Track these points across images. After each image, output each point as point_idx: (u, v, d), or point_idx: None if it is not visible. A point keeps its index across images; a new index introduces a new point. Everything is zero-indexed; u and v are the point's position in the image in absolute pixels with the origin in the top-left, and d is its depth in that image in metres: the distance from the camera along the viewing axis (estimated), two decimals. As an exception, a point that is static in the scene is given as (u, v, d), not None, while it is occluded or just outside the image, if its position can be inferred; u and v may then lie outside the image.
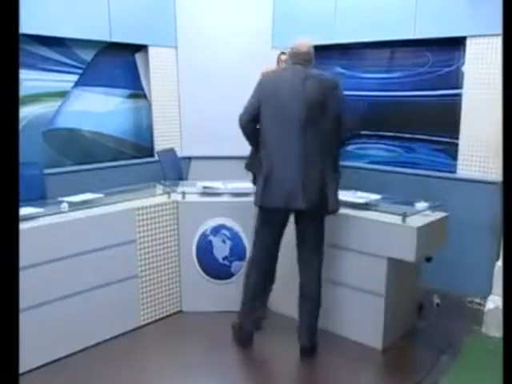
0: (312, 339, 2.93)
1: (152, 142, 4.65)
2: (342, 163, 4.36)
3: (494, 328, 3.10)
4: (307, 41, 2.84)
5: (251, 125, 2.80)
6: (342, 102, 2.81)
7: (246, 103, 2.81)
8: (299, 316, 2.94)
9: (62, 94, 4.08)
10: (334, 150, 2.82)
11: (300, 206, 2.70)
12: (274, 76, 2.92)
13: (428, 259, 3.04)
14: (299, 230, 2.89)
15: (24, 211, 2.71)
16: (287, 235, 3.20)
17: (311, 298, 2.91)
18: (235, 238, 3.36)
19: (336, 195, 2.80)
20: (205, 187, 3.49)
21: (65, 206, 2.92)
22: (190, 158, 4.81)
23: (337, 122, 2.73)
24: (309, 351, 2.91)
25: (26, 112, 3.81)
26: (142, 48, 4.49)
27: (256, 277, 2.96)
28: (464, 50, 3.69)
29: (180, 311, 3.45)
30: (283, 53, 4.05)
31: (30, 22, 3.56)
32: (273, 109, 2.74)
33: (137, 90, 4.57)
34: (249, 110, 2.78)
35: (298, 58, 2.79)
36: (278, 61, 4.06)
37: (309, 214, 2.78)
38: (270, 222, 2.86)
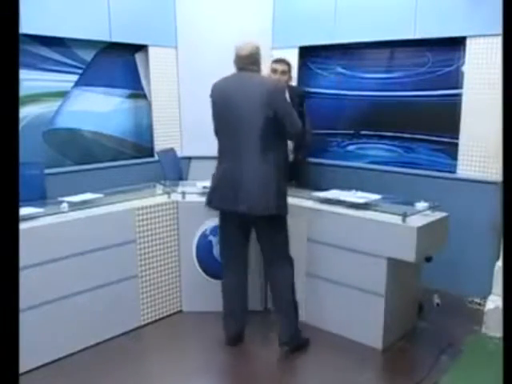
0: (292, 337, 2.94)
1: (152, 141, 4.65)
2: (341, 163, 4.45)
3: (494, 328, 3.10)
4: (248, 43, 2.78)
5: None
6: (286, 106, 2.75)
7: None
8: (276, 316, 3.01)
9: (62, 94, 4.08)
10: (280, 154, 2.79)
11: (242, 209, 2.72)
12: (221, 83, 2.85)
13: (428, 259, 3.04)
14: (256, 234, 2.95)
15: (24, 211, 2.71)
16: (290, 232, 3.19)
17: (282, 302, 2.97)
18: (235, 238, 3.36)
19: (279, 199, 2.76)
20: (205, 187, 3.48)
21: (65, 205, 2.92)
22: (189, 158, 4.81)
23: (280, 126, 2.70)
24: (290, 350, 2.94)
25: (26, 112, 3.81)
26: (142, 48, 4.48)
27: (229, 277, 3.00)
28: (464, 49, 3.69)
29: (180, 311, 3.45)
30: (276, 61, 3.82)
31: (30, 22, 3.56)
32: (222, 116, 2.80)
33: (137, 90, 4.57)
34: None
35: (239, 63, 2.77)
36: (271, 70, 3.81)
37: (257, 218, 2.77)
38: (223, 222, 2.94)
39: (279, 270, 2.94)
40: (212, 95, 2.83)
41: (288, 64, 3.77)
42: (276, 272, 2.95)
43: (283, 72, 3.69)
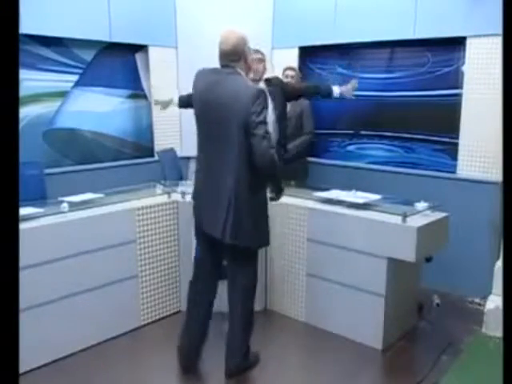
0: (236, 363, 2.66)
1: (152, 141, 4.65)
2: (342, 163, 4.46)
3: (493, 328, 3.10)
4: (232, 32, 2.42)
5: None
6: (258, 125, 2.30)
7: None
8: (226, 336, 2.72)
9: (62, 94, 4.08)
10: (250, 171, 2.38)
11: (211, 232, 2.49)
12: (201, 83, 2.51)
13: (428, 259, 3.04)
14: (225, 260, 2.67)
15: (24, 211, 2.71)
16: (290, 232, 3.21)
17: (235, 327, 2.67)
18: (235, 238, 3.35)
19: (255, 227, 2.45)
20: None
21: (65, 206, 2.92)
22: (189, 158, 4.81)
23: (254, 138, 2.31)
24: (232, 374, 2.67)
25: (26, 112, 3.81)
26: (142, 48, 4.48)
27: (192, 296, 2.75)
28: (464, 50, 3.69)
29: (180, 311, 3.45)
30: (290, 68, 4.16)
31: (30, 22, 3.56)
32: (200, 119, 2.52)
33: (137, 90, 4.57)
34: None
35: (223, 60, 2.44)
36: (284, 76, 4.11)
37: (226, 245, 2.48)
38: (196, 235, 2.72)
39: (236, 314, 2.63)
40: (193, 93, 2.54)
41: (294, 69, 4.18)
42: (232, 315, 2.64)
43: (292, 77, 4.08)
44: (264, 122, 2.31)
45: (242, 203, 2.39)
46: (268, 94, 3.61)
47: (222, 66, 2.45)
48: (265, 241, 2.60)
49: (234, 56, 2.40)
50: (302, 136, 4.11)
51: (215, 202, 2.42)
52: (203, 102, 2.45)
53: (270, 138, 2.32)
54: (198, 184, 2.59)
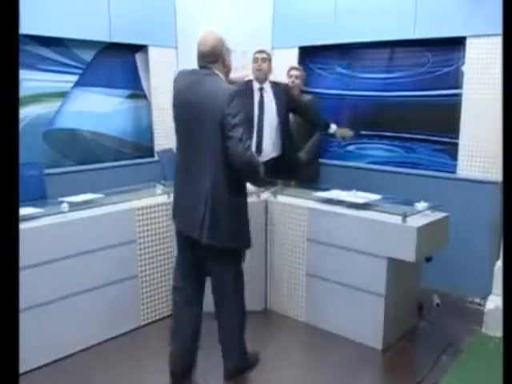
0: (235, 363, 2.64)
1: (152, 141, 4.65)
2: (341, 163, 4.46)
3: (493, 328, 3.10)
4: (211, 33, 2.43)
5: None
6: (233, 126, 2.27)
7: None
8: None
9: (62, 95, 4.08)
10: (228, 171, 2.35)
11: (189, 233, 2.45)
12: (181, 84, 2.49)
13: (428, 259, 3.04)
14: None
15: (24, 211, 2.72)
16: (290, 232, 3.19)
17: (226, 343, 2.64)
18: (235, 238, 3.35)
19: (231, 229, 2.39)
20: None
21: (65, 206, 2.92)
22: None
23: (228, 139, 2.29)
24: (232, 375, 2.66)
25: (26, 112, 3.81)
26: (141, 48, 4.48)
27: (178, 302, 2.67)
28: (464, 50, 3.69)
29: (180, 311, 3.45)
30: (294, 68, 4.20)
31: (30, 22, 3.56)
32: (178, 121, 2.49)
33: (137, 90, 4.57)
34: None
35: (201, 61, 2.44)
36: (289, 76, 4.16)
37: (204, 246, 2.42)
38: (177, 238, 2.67)
39: (225, 316, 2.59)
40: (173, 94, 2.51)
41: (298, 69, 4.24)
42: (221, 317, 2.60)
43: (297, 77, 4.14)
44: (239, 124, 2.28)
45: (220, 204, 2.36)
46: (274, 97, 3.67)
47: (200, 67, 2.46)
48: (244, 242, 2.52)
49: (212, 57, 2.41)
50: (313, 136, 4.13)
51: (193, 203, 2.40)
52: (181, 103, 2.45)
53: (246, 140, 2.31)
54: (176, 186, 2.57)
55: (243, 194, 2.51)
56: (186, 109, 2.41)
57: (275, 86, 3.73)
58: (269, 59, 3.73)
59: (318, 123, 3.89)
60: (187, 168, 2.46)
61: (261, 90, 3.69)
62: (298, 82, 4.14)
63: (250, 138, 3.57)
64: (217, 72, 2.43)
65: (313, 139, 4.13)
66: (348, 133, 3.81)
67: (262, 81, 3.69)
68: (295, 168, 3.89)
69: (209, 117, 2.30)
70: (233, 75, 3.17)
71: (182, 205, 2.51)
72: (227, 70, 2.50)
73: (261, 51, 3.76)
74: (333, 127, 3.78)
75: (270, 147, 3.68)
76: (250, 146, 2.33)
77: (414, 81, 4.05)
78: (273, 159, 3.69)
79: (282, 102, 3.68)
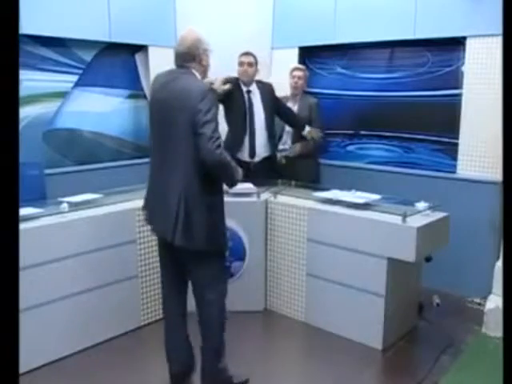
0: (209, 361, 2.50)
1: (152, 142, 4.65)
2: (341, 163, 4.45)
3: (493, 328, 3.10)
4: (189, 33, 2.42)
5: None
6: (205, 124, 2.19)
7: None
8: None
9: (62, 95, 4.08)
10: (200, 170, 2.27)
11: (163, 235, 2.38)
12: (157, 84, 2.47)
13: (428, 259, 3.04)
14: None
15: (24, 211, 2.71)
16: (290, 232, 3.19)
17: (205, 339, 2.52)
18: (234, 238, 3.35)
19: (205, 230, 2.30)
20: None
21: (65, 206, 2.92)
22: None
23: (199, 139, 2.20)
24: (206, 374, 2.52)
25: (25, 112, 3.81)
26: (141, 48, 4.48)
27: (168, 305, 2.61)
28: (464, 50, 3.69)
29: (180, 311, 3.45)
30: (297, 69, 4.16)
31: (30, 22, 3.55)
32: (152, 120, 2.46)
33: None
34: None
35: (178, 60, 2.42)
36: (291, 76, 4.14)
37: (180, 248, 2.34)
38: (158, 245, 2.61)
39: (204, 317, 2.49)
40: (150, 95, 2.53)
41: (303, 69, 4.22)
42: (201, 317, 2.50)
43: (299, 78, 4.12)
44: (211, 121, 2.20)
45: (192, 204, 2.28)
46: (261, 97, 3.68)
47: (177, 66, 2.44)
48: (220, 244, 2.41)
49: (189, 56, 2.38)
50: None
51: (166, 204, 2.32)
52: (155, 102, 2.42)
53: (218, 138, 2.21)
54: (148, 186, 2.48)
55: (218, 194, 2.41)
56: (159, 107, 2.37)
57: (261, 86, 3.75)
58: (255, 62, 3.70)
59: (297, 124, 3.95)
60: (160, 168, 2.39)
61: (248, 92, 3.70)
62: (301, 82, 4.12)
63: (242, 141, 3.67)
64: (193, 71, 2.40)
65: (303, 141, 4.03)
66: (318, 134, 3.92)
67: (248, 84, 3.69)
68: (286, 167, 3.93)
69: (181, 114, 2.25)
70: (215, 86, 3.19)
71: (155, 206, 2.42)
72: (204, 69, 2.47)
73: (247, 53, 3.71)
74: (306, 129, 3.89)
75: (261, 148, 3.72)
76: (221, 144, 2.23)
77: (414, 81, 4.04)
78: (265, 158, 3.75)
79: (268, 102, 3.72)
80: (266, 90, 3.75)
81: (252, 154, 3.69)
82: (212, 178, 2.32)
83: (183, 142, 2.27)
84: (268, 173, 3.74)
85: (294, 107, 4.08)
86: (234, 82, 3.63)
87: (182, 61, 2.40)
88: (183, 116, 2.24)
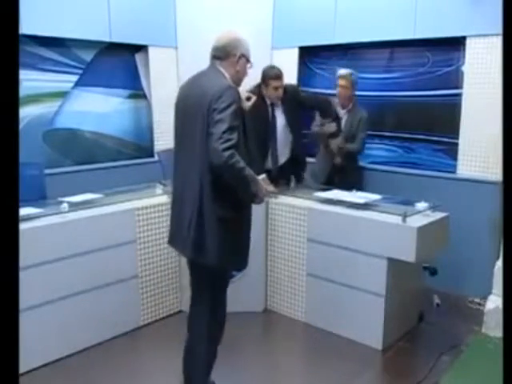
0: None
1: (152, 142, 4.65)
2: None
3: (493, 328, 3.10)
4: (228, 32, 2.31)
5: None
6: (217, 122, 2.02)
7: None
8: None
9: (62, 95, 4.08)
10: (215, 178, 2.09)
11: (176, 247, 2.31)
12: (185, 85, 2.34)
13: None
14: None
15: (24, 211, 2.71)
16: (290, 232, 3.18)
17: (192, 354, 2.35)
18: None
19: (219, 243, 2.11)
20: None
21: (65, 206, 2.92)
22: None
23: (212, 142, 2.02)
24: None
25: (25, 112, 3.81)
26: (141, 48, 4.48)
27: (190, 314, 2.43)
28: (464, 49, 3.69)
29: (180, 311, 3.45)
30: (341, 77, 3.91)
31: (30, 22, 3.55)
32: (175, 121, 2.31)
33: (137, 90, 4.57)
34: None
35: (211, 53, 2.28)
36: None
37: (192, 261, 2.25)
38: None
39: (194, 330, 2.34)
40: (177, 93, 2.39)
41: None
42: (190, 327, 2.35)
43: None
44: (223, 120, 2.00)
45: (206, 215, 2.11)
46: (283, 105, 3.60)
47: (210, 60, 2.31)
48: (236, 262, 2.26)
49: (220, 53, 2.24)
50: (357, 143, 3.90)
51: (181, 214, 2.20)
52: (179, 100, 2.30)
53: (229, 139, 1.99)
54: (172, 194, 2.36)
55: (232, 206, 2.15)
56: (182, 105, 2.25)
57: (284, 95, 3.62)
58: (281, 86, 3.56)
59: (329, 113, 3.75)
60: (178, 175, 2.27)
61: (272, 105, 3.64)
62: (344, 92, 3.87)
63: (266, 152, 3.62)
64: (220, 68, 2.25)
65: (353, 145, 3.90)
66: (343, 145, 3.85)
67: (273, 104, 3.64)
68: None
69: (198, 114, 2.09)
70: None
71: (174, 217, 2.31)
72: (238, 74, 2.29)
73: (279, 77, 3.52)
74: (337, 140, 3.82)
75: (283, 156, 3.73)
76: (232, 147, 1.99)
77: (414, 81, 4.04)
78: (286, 161, 3.75)
79: (292, 106, 3.65)
80: (290, 96, 3.62)
81: (275, 162, 3.69)
82: (224, 187, 2.08)
83: (200, 145, 2.09)
84: (290, 173, 3.76)
85: (344, 118, 3.93)
86: (257, 92, 3.42)
87: (213, 55, 2.27)
88: (200, 116, 2.08)
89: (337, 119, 3.84)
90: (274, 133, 3.66)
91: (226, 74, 2.25)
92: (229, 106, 2.03)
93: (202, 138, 2.07)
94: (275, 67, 3.58)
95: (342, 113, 3.95)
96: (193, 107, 2.14)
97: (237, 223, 2.19)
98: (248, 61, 2.31)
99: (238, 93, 2.19)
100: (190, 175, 2.15)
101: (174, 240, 2.33)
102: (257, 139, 3.64)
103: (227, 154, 1.97)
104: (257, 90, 3.50)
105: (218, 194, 2.10)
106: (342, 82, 3.86)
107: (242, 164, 2.02)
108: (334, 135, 3.81)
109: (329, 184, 3.78)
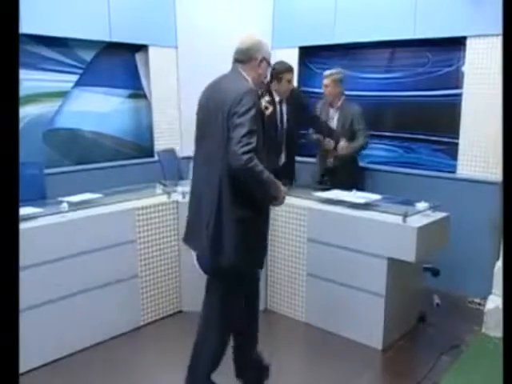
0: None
1: (152, 141, 4.66)
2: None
3: (493, 328, 3.10)
4: (250, 35, 2.33)
5: None
6: (237, 126, 2.03)
7: None
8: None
9: (62, 94, 4.08)
10: (231, 181, 2.11)
11: (192, 246, 2.32)
12: (208, 86, 2.35)
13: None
14: None
15: (24, 211, 2.71)
16: (290, 232, 3.18)
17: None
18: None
19: (237, 244, 2.13)
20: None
21: (65, 206, 2.92)
22: (189, 158, 4.80)
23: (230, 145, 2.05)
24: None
25: (25, 112, 3.81)
26: (141, 48, 4.49)
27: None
28: (464, 49, 3.69)
29: (180, 311, 3.45)
30: (325, 76, 3.95)
31: (30, 21, 3.56)
32: (197, 123, 2.33)
33: (137, 90, 4.57)
34: None
35: (234, 55, 2.30)
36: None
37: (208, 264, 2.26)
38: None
39: (203, 340, 2.37)
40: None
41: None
42: (198, 341, 2.38)
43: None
44: (243, 124, 2.02)
45: (225, 215, 2.13)
46: (287, 103, 3.64)
47: (232, 63, 2.33)
48: (253, 263, 2.27)
49: (243, 56, 2.26)
50: (359, 139, 3.86)
51: (199, 213, 2.23)
52: (200, 103, 2.34)
53: (248, 143, 2.00)
54: (191, 194, 2.38)
55: (251, 208, 2.17)
56: (203, 108, 2.28)
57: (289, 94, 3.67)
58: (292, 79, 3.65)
59: (330, 136, 3.84)
60: (197, 177, 2.30)
61: (280, 102, 3.65)
62: (328, 89, 3.90)
63: (280, 153, 3.66)
64: (241, 71, 2.26)
65: (359, 141, 3.88)
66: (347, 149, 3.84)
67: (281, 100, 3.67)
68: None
69: (218, 118, 2.12)
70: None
71: (191, 217, 2.34)
72: (258, 77, 2.31)
73: (290, 70, 3.60)
74: (341, 143, 3.81)
75: (284, 156, 3.76)
76: (251, 150, 2.00)
77: (414, 81, 4.04)
78: (285, 163, 3.77)
79: (295, 108, 3.69)
80: (294, 98, 3.68)
81: (280, 161, 3.73)
82: (243, 189, 2.10)
83: (219, 148, 2.11)
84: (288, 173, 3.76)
85: (335, 116, 3.93)
86: (269, 94, 3.51)
87: (235, 58, 2.28)
88: (220, 119, 2.11)
89: (330, 132, 3.87)
90: (282, 131, 3.70)
91: (248, 78, 2.27)
92: (249, 110, 2.05)
93: (222, 141, 2.10)
94: (283, 61, 3.62)
95: (331, 111, 3.97)
96: (213, 110, 2.16)
97: (255, 224, 2.22)
98: (269, 64, 2.35)
99: (258, 95, 2.23)
100: (210, 177, 2.18)
101: (189, 239, 2.35)
102: (271, 140, 3.71)
103: (246, 157, 1.99)
104: (266, 89, 3.50)
105: (236, 196, 2.12)
106: (325, 81, 3.92)
107: (260, 167, 2.04)
108: (334, 139, 3.85)
109: (328, 184, 3.78)
